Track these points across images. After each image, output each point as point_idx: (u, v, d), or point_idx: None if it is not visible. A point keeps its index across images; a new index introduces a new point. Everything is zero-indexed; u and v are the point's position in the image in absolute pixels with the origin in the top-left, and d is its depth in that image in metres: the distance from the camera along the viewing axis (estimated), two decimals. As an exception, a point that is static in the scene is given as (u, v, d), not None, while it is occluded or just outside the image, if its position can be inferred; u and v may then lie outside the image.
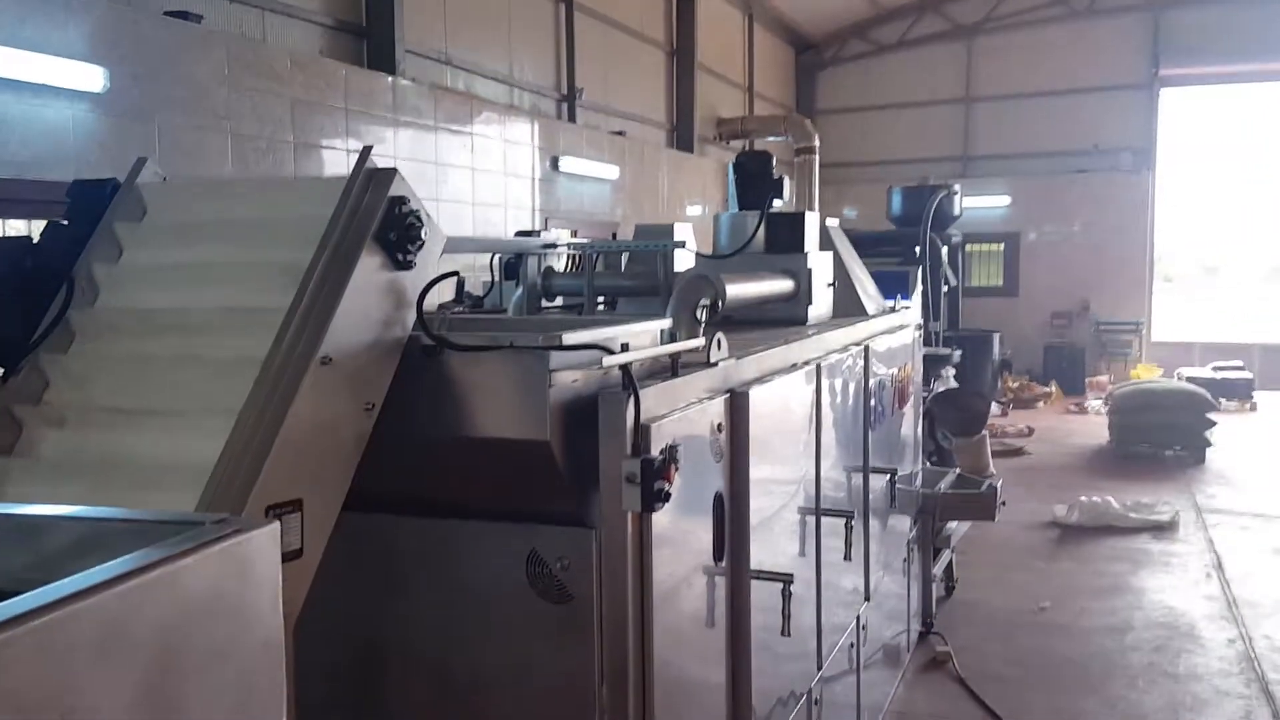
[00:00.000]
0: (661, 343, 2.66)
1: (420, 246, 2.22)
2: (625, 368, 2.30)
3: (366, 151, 2.22)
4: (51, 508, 1.21)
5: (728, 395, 2.78)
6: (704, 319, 2.91)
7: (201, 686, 1.06)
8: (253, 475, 1.79)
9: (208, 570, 1.05)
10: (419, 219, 2.20)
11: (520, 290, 4.78)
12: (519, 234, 5.99)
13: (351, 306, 2.05)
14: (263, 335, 1.99)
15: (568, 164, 10.63)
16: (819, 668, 3.60)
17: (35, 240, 2.24)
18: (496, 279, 4.94)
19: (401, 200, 2.18)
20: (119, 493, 1.90)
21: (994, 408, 11.96)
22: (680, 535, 2.52)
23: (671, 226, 5.14)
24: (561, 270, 5.13)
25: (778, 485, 3.16)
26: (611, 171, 11.59)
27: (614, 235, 10.64)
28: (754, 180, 4.46)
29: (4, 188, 5.24)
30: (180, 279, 2.25)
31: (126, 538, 1.06)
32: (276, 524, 1.16)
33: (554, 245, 5.16)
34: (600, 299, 4.76)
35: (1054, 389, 15.63)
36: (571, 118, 11.23)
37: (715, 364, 2.79)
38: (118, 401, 2.10)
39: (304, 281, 2.04)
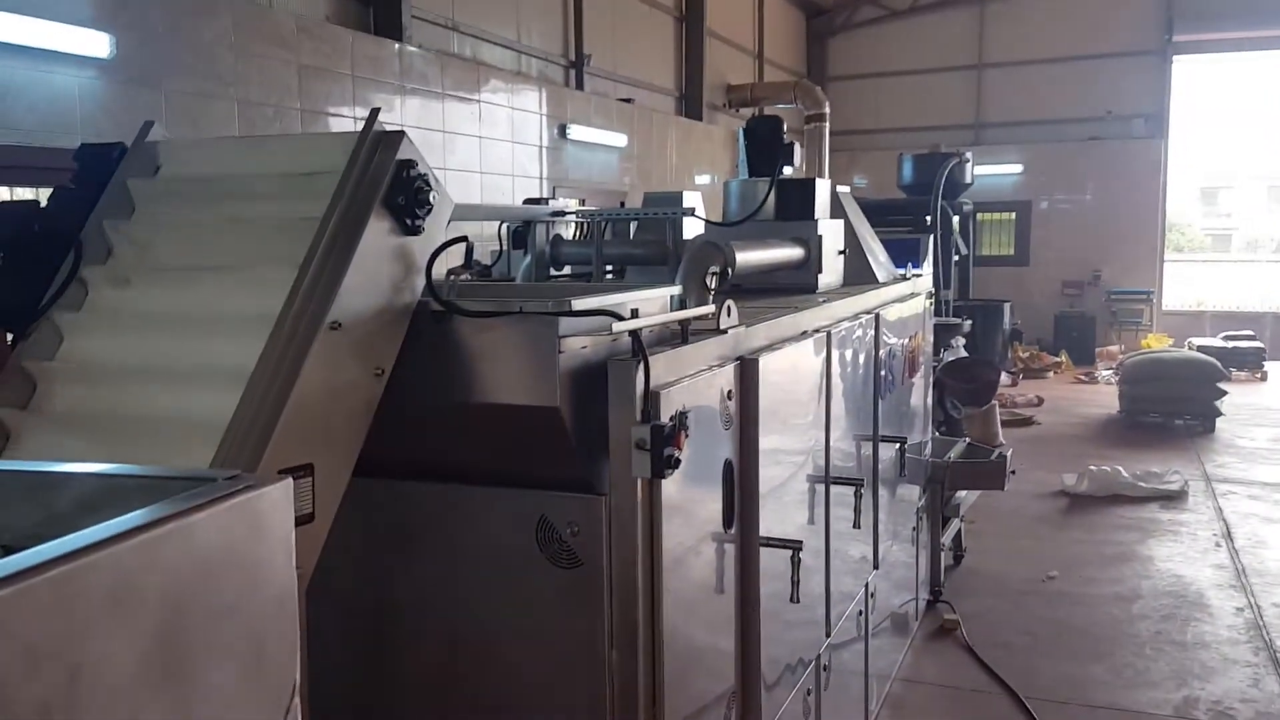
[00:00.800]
0: (671, 309, 2.65)
1: (429, 211, 2.20)
2: (635, 334, 2.28)
3: (374, 114, 2.19)
4: (62, 465, 1.21)
5: (737, 362, 2.77)
6: (714, 286, 2.89)
7: (214, 642, 1.06)
8: (263, 440, 1.79)
9: (220, 525, 1.05)
10: (427, 183, 2.18)
11: (528, 258, 4.76)
12: (527, 202, 5.97)
13: (360, 271, 2.04)
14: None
15: (575, 132, 10.56)
16: (828, 635, 3.61)
17: (43, 205, 2.23)
18: (504, 247, 4.93)
19: (410, 164, 2.16)
20: (187, 343, 2.07)
21: (1004, 377, 11.93)
22: (690, 502, 2.52)
23: (680, 194, 5.12)
24: (570, 238, 5.11)
25: (787, 453, 3.15)
26: (619, 139, 11.52)
27: (622, 204, 10.59)
28: (765, 146, 4.43)
29: (11, 154, 5.22)
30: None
31: (138, 493, 1.06)
32: (289, 481, 1.16)
33: (563, 213, 5.14)
34: (609, 267, 4.74)
35: (1064, 359, 15.58)
36: (579, 85, 11.15)
37: (725, 331, 2.77)
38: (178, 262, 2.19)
39: (312, 246, 2.03)
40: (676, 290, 2.72)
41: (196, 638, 1.02)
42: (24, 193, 5.43)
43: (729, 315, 2.81)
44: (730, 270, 3.07)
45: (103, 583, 0.93)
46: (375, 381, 2.11)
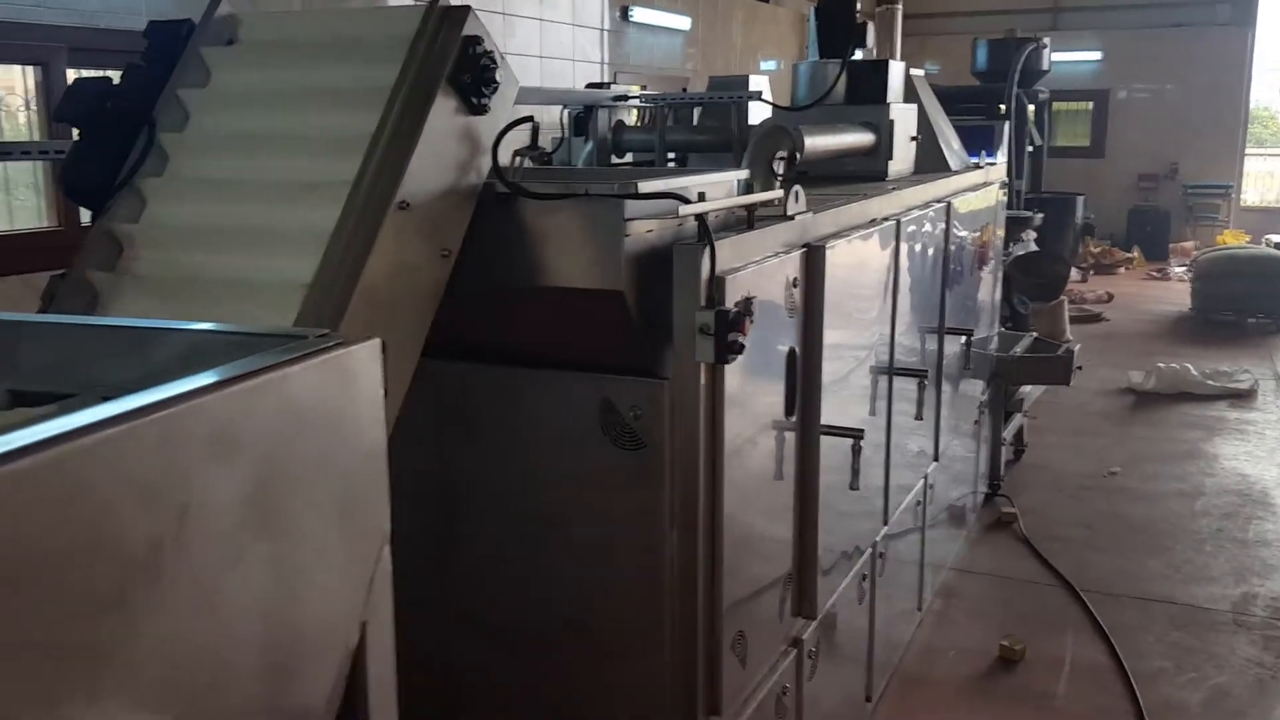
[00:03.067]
0: (738, 194, 2.61)
1: (495, 90, 2.17)
2: (701, 218, 2.26)
3: (439, -13, 2.15)
4: (158, 321, 1.25)
5: (804, 250, 2.74)
6: (781, 172, 2.84)
7: (308, 491, 1.11)
8: (337, 317, 1.82)
9: (312, 380, 1.09)
10: (493, 60, 2.15)
11: (590, 145, 4.72)
12: (589, 87, 5.88)
13: (427, 151, 2.03)
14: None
15: (638, 14, 10.32)
16: (885, 524, 3.64)
17: (115, 82, 2.24)
18: (566, 134, 4.88)
19: (476, 40, 2.13)
20: (263, 208, 2.06)
21: (1073, 273, 11.68)
22: (751, 389, 2.52)
23: (746, 79, 5.00)
24: (632, 125, 5.04)
25: (851, 343, 3.14)
26: (683, 22, 11.23)
27: (684, 89, 10.39)
28: (836, 25, 4.29)
29: (75, 36, 5.24)
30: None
31: (231, 349, 1.09)
32: (377, 340, 1.18)
33: (625, 97, 5.06)
34: (671, 154, 4.68)
35: (1136, 254, 15.18)
36: (643, -36, 10.84)
37: (792, 218, 2.74)
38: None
39: (379, 125, 2.02)
40: (744, 175, 2.68)
41: (292, 486, 1.07)
42: (89, 74, 5.46)
43: (796, 201, 2.76)
44: (798, 155, 3.01)
45: (205, 428, 0.97)
46: (442, 263, 2.12)
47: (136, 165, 2.13)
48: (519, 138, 2.37)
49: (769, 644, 2.76)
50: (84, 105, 2.14)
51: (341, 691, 1.14)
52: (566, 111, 4.86)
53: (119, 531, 0.88)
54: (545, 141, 4.40)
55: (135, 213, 2.14)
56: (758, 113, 4.43)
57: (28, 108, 4.89)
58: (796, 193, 2.76)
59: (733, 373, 2.34)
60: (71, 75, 5.34)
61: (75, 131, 2.20)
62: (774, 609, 2.78)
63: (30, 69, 4.94)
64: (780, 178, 2.78)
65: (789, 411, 2.74)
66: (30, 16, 4.95)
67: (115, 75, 2.30)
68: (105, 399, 0.86)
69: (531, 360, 2.44)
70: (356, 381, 1.17)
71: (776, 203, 2.70)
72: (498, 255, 2.28)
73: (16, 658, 0.82)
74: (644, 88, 9.62)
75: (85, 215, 2.64)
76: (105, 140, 2.11)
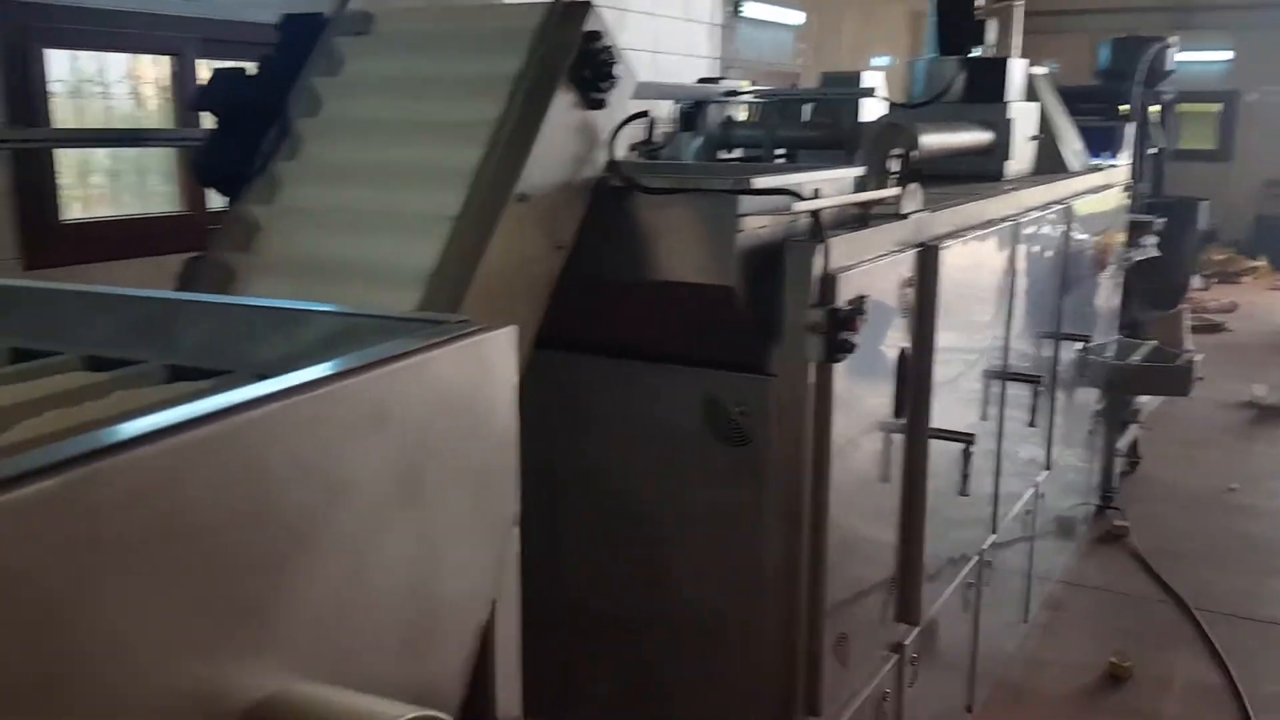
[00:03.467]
0: (852, 192, 2.58)
1: (613, 85, 2.19)
2: (815, 215, 2.25)
3: (560, -19, 2.18)
4: (304, 303, 1.31)
5: (919, 250, 2.69)
6: (896, 169, 2.80)
7: (446, 471, 1.14)
8: (454, 306, 1.85)
9: (454, 363, 1.12)
10: (612, 56, 2.17)
11: (698, 140, 4.71)
12: (701, 82, 5.88)
13: (546, 144, 2.06)
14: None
15: (749, 9, 10.26)
16: (993, 531, 3.56)
17: (250, 74, 2.32)
18: (674, 130, 4.88)
19: (595, 35, 2.15)
20: (390, 193, 2.12)
21: (1196, 280, 11.22)
22: (860, 389, 2.49)
23: (859, 75, 4.93)
24: (741, 120, 5.01)
25: (963, 346, 3.07)
26: (796, 17, 11.13)
27: (794, 85, 10.29)
28: (955, 22, 4.21)
29: (206, 27, 5.44)
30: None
31: (375, 332, 1.14)
32: (514, 328, 1.22)
33: (737, 93, 5.05)
34: (779, 150, 4.65)
35: (1263, 263, 14.53)
36: (756, -41, 10.78)
37: (907, 216, 2.69)
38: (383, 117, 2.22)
39: (501, 118, 2.06)
40: (859, 172, 2.65)
41: (434, 465, 1.11)
42: (225, 65, 5.65)
43: (912, 200, 2.72)
44: (914, 153, 2.96)
45: (358, 405, 1.01)
46: (556, 255, 2.14)
47: (270, 154, 2.20)
48: (633, 132, 2.38)
49: (870, 647, 2.72)
50: (222, 95, 2.22)
51: (471, 667, 1.18)
52: (677, 106, 4.87)
53: (278, 502, 0.92)
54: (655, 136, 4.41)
55: (270, 195, 2.21)
56: (870, 110, 4.37)
57: (160, 96, 5.09)
58: (913, 191, 2.72)
59: (841, 372, 2.32)
60: (201, 65, 5.55)
61: (211, 120, 2.29)
62: (876, 612, 2.75)
63: (163, 59, 5.14)
64: (895, 175, 2.74)
65: (898, 413, 2.70)
66: (164, 8, 5.16)
67: (246, 66, 2.37)
68: (260, 376, 0.90)
69: (639, 353, 2.46)
70: (493, 367, 1.20)
71: (891, 201, 2.66)
72: (610, 248, 2.30)
73: (184, 615, 0.86)
74: (753, 82, 9.57)
75: (214, 202, 2.73)
76: (241, 130, 2.19)
